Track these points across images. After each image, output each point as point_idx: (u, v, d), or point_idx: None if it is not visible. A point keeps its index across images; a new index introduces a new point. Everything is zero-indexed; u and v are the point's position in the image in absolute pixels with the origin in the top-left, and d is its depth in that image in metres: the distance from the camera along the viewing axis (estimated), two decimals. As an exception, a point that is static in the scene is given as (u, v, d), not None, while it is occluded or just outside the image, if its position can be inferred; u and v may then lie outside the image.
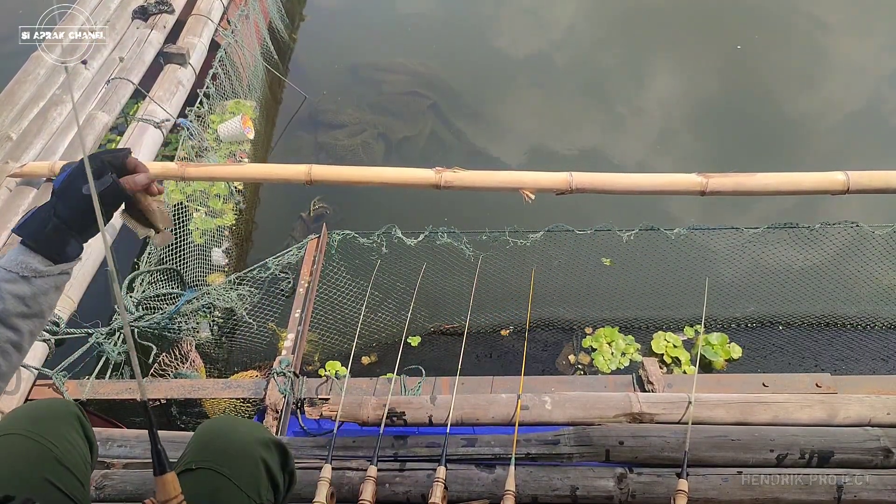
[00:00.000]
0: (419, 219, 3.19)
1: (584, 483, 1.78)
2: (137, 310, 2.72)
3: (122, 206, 1.03)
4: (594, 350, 3.06)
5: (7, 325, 0.94)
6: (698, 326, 3.09)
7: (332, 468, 1.70)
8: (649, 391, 2.26)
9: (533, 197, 2.54)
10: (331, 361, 2.97)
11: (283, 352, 2.44)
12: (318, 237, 2.90)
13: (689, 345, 3.06)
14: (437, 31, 5.35)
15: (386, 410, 1.89)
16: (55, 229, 0.95)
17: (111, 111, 3.32)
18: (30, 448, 1.15)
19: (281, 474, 1.27)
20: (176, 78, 3.60)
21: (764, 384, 2.34)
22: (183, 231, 3.16)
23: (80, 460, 1.21)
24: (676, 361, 3.00)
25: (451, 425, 1.85)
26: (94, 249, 2.78)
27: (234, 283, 2.90)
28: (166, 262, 3.01)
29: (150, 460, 0.90)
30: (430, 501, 1.63)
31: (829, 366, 2.97)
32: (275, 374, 2.31)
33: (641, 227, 2.79)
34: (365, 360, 3.06)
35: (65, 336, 2.51)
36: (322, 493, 1.61)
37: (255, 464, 1.22)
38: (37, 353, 2.41)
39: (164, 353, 2.73)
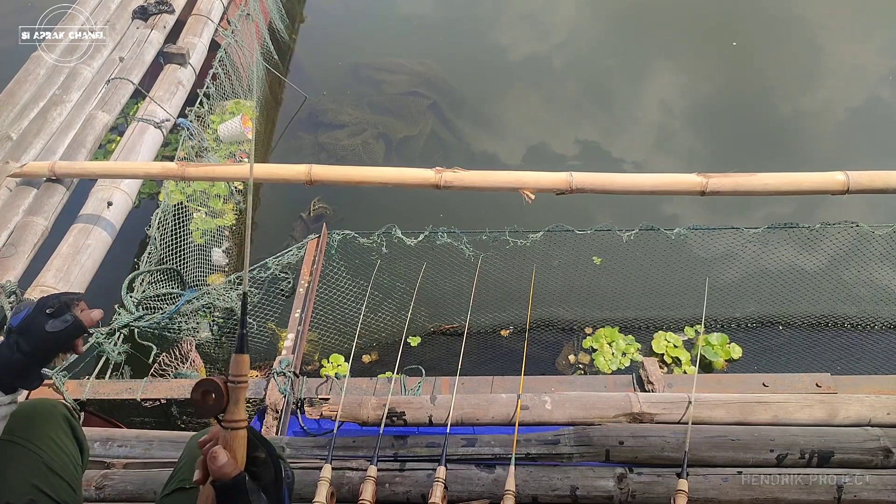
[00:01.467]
0: (419, 219, 3.19)
1: (584, 483, 1.78)
2: (137, 310, 2.72)
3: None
4: (594, 350, 3.06)
5: None
6: (698, 326, 3.09)
7: (332, 468, 1.70)
8: (649, 391, 2.26)
9: (533, 197, 2.54)
10: (334, 355, 2.98)
11: (283, 352, 2.44)
12: (318, 237, 2.90)
13: (689, 345, 3.06)
14: (436, 30, 5.36)
15: (386, 410, 1.89)
16: (19, 364, 1.03)
17: (111, 111, 3.32)
18: (16, 454, 1.13)
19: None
20: (176, 78, 3.60)
21: (764, 384, 2.34)
22: (183, 231, 3.16)
23: (70, 463, 1.20)
24: (677, 361, 3.00)
25: (451, 425, 1.85)
26: (95, 249, 2.78)
27: (234, 283, 2.90)
28: (166, 262, 3.01)
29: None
30: (430, 501, 1.63)
31: (829, 366, 2.97)
32: (275, 374, 2.31)
33: (641, 227, 2.79)
34: (365, 358, 3.06)
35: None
36: (322, 493, 1.61)
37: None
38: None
39: (164, 353, 2.73)
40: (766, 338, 3.13)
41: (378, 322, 3.04)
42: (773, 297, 3.20)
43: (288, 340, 2.49)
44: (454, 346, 3.05)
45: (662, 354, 3.01)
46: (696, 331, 3.09)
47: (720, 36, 5.09)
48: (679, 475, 1.64)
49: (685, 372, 2.94)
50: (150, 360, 2.67)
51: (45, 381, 2.33)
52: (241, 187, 3.72)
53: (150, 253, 2.93)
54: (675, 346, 3.03)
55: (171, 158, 3.42)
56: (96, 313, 1.10)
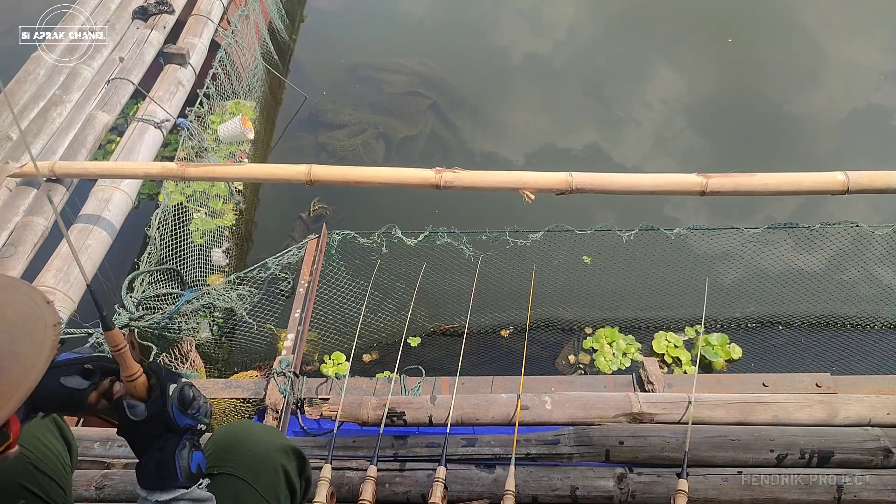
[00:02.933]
0: (419, 219, 3.19)
1: (584, 483, 1.78)
2: (137, 310, 2.72)
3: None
4: (595, 350, 3.06)
5: None
6: (698, 326, 3.09)
7: (332, 468, 1.70)
8: (649, 391, 2.26)
9: (533, 197, 2.54)
10: (336, 353, 2.98)
11: (283, 352, 2.44)
12: (318, 237, 2.90)
13: (689, 345, 3.06)
14: (436, 30, 5.36)
15: (386, 410, 1.89)
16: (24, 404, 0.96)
17: (111, 111, 3.32)
18: None
19: (298, 480, 1.29)
20: (176, 78, 3.60)
21: (764, 384, 2.34)
22: (183, 231, 3.16)
23: (59, 464, 1.20)
24: (677, 361, 3.00)
25: (451, 425, 1.85)
26: (94, 250, 2.78)
27: (234, 283, 2.90)
28: (166, 262, 3.01)
29: None
30: (430, 501, 1.63)
31: (829, 366, 2.97)
32: (275, 374, 2.31)
33: (641, 227, 2.79)
34: (366, 357, 3.06)
35: (65, 336, 2.51)
36: (322, 493, 1.61)
37: (274, 470, 1.23)
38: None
39: (164, 353, 2.73)
40: (766, 338, 3.13)
41: (378, 322, 3.04)
42: (773, 297, 3.20)
43: (288, 340, 2.49)
44: (454, 346, 3.05)
45: (663, 354, 3.01)
46: (696, 331, 3.09)
47: (721, 35, 5.09)
48: (679, 475, 1.64)
49: (685, 372, 2.94)
50: (150, 361, 2.67)
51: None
52: (241, 187, 3.72)
53: (150, 253, 2.93)
54: (676, 346, 3.03)
55: (171, 158, 3.41)
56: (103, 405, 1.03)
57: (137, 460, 0.99)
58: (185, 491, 0.98)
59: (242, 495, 1.17)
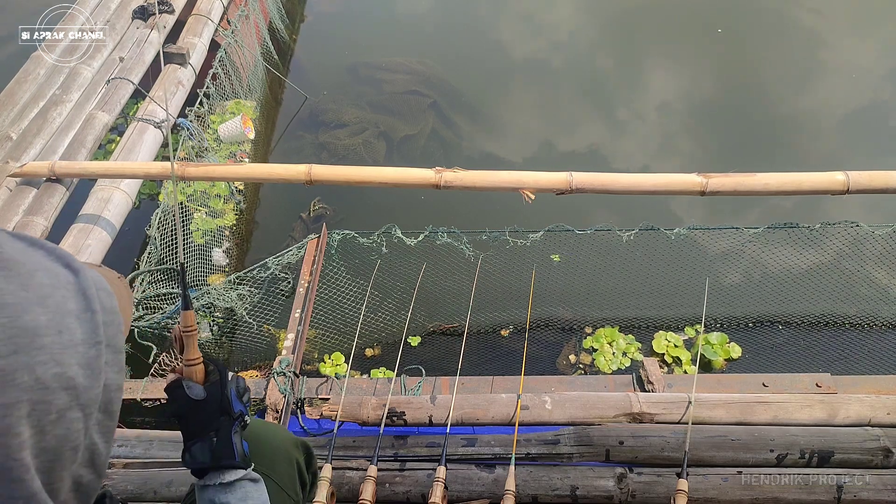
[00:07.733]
0: (419, 219, 3.19)
1: (584, 483, 1.78)
2: (137, 310, 2.72)
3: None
4: (595, 350, 3.06)
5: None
6: (698, 326, 3.09)
7: (332, 468, 1.70)
8: (649, 391, 2.26)
9: (533, 197, 2.54)
10: (336, 353, 2.98)
11: (284, 352, 2.44)
12: (318, 237, 2.90)
13: (689, 344, 3.06)
14: (436, 29, 5.36)
15: (386, 410, 1.89)
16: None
17: (111, 111, 3.32)
18: None
19: (307, 474, 1.33)
20: (176, 78, 3.60)
21: (764, 384, 2.34)
22: (183, 231, 3.16)
23: None
24: (677, 361, 3.00)
25: (451, 425, 1.85)
26: (95, 250, 2.78)
27: (234, 283, 2.90)
28: (166, 262, 3.01)
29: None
30: (430, 501, 1.63)
31: (829, 366, 2.97)
32: (275, 374, 2.31)
33: (641, 227, 2.79)
34: (368, 352, 3.06)
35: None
36: (322, 493, 1.61)
37: (290, 463, 1.27)
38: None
39: (164, 353, 2.73)
40: (766, 337, 3.13)
41: (378, 322, 3.04)
42: (772, 296, 3.20)
43: (288, 340, 2.49)
44: (454, 346, 3.05)
45: (663, 354, 3.01)
46: (696, 330, 3.09)
47: (720, 35, 5.09)
48: (679, 475, 1.64)
49: (685, 372, 2.94)
50: (150, 360, 2.67)
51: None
52: (241, 187, 3.72)
53: (150, 253, 2.93)
54: (676, 346, 3.03)
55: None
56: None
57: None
58: (246, 471, 1.00)
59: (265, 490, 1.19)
